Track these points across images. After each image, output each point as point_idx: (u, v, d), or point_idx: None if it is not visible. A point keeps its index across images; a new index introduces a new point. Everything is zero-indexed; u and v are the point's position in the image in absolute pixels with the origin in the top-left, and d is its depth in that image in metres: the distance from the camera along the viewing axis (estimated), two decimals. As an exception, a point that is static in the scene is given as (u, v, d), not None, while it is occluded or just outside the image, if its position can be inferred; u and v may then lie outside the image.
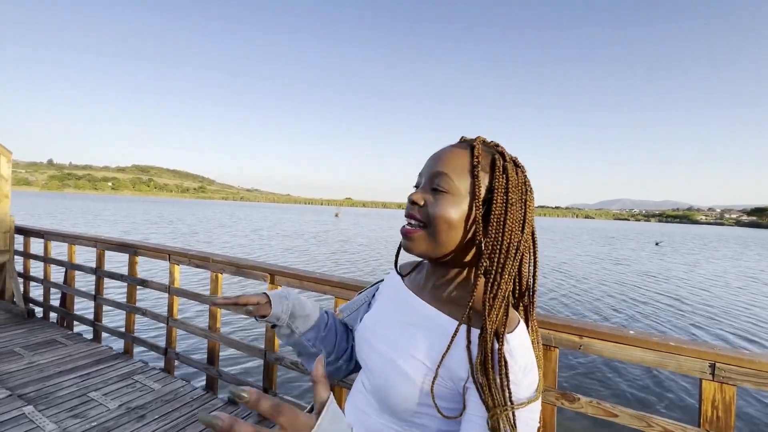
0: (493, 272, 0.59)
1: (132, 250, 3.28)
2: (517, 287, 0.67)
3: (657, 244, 40.32)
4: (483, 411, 0.54)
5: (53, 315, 4.08)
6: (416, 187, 0.67)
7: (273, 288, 2.44)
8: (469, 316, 0.60)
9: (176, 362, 3.03)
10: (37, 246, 4.37)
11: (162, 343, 3.10)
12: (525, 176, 0.65)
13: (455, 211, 0.60)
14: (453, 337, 0.59)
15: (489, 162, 0.63)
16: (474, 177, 0.61)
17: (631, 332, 1.34)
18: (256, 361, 4.62)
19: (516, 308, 0.67)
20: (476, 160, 0.61)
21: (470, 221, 0.61)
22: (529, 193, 0.64)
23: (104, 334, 3.57)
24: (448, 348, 0.58)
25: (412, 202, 0.63)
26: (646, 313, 9.55)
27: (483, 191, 0.61)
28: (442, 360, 0.58)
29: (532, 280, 0.67)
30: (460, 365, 0.58)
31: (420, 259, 0.79)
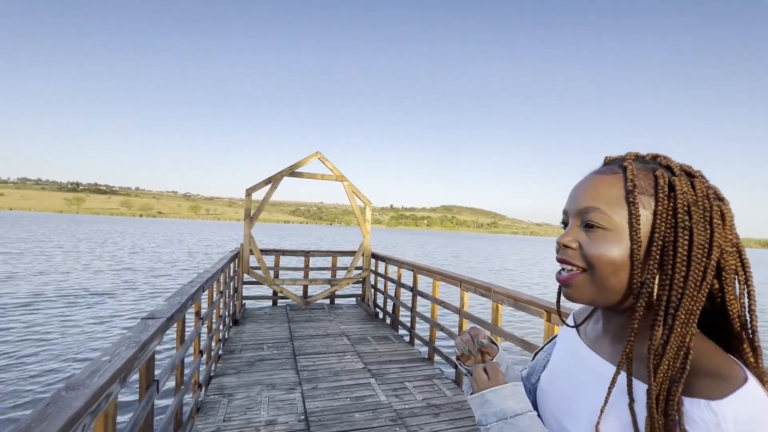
0: (663, 313, 0.47)
1: (434, 275, 4.11)
2: (737, 327, 0.47)
3: None
4: None
5: (388, 318, 5.63)
6: (564, 225, 0.60)
7: (549, 325, 2.42)
8: (630, 364, 0.49)
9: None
10: (380, 266, 6.25)
11: (453, 357, 3.65)
12: (706, 188, 0.50)
13: (618, 249, 0.51)
14: (610, 389, 0.49)
15: (651, 182, 0.51)
16: (631, 204, 0.50)
17: None
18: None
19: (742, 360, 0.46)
20: (630, 183, 0.51)
21: (639, 257, 0.50)
22: (715, 209, 0.48)
23: (416, 340, 4.58)
24: (603, 406, 0.49)
25: (563, 246, 0.56)
26: None
27: (648, 219, 0.50)
28: (599, 420, 0.49)
29: (747, 316, 0.47)
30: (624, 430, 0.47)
31: None
